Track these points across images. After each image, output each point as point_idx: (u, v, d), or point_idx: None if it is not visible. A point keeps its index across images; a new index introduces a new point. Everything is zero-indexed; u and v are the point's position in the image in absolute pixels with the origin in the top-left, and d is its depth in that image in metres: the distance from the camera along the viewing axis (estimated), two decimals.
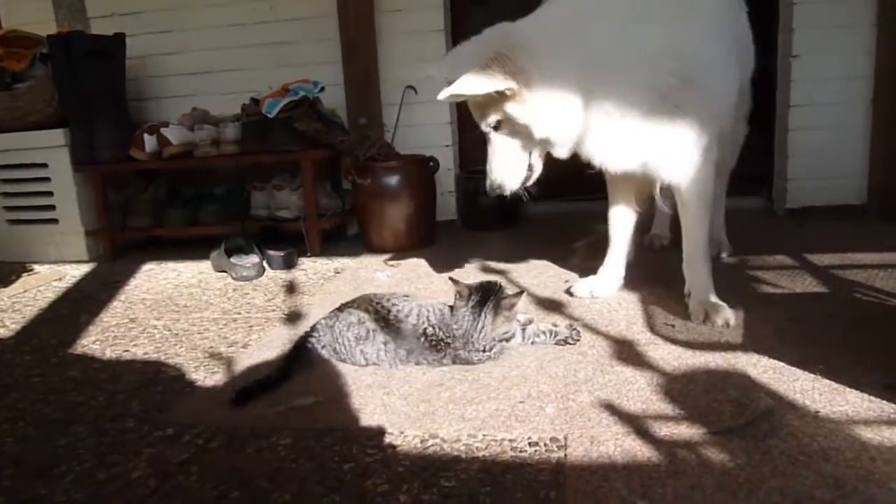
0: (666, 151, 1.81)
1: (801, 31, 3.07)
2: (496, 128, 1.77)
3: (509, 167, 1.80)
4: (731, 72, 1.83)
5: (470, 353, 1.65)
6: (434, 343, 1.67)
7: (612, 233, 2.16)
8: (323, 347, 1.77)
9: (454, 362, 1.67)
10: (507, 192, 1.83)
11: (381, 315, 1.73)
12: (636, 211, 2.14)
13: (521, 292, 1.70)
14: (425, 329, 1.69)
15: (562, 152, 1.81)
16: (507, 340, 1.68)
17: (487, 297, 1.66)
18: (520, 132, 1.75)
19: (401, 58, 3.38)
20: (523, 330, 1.76)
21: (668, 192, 1.97)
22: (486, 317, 1.64)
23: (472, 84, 1.61)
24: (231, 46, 3.57)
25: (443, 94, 1.63)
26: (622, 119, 1.74)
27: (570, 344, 1.75)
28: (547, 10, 1.76)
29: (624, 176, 1.93)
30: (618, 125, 1.74)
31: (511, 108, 1.69)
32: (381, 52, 3.36)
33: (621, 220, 2.15)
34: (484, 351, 1.65)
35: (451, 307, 1.70)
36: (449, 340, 1.66)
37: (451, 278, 1.74)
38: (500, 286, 1.70)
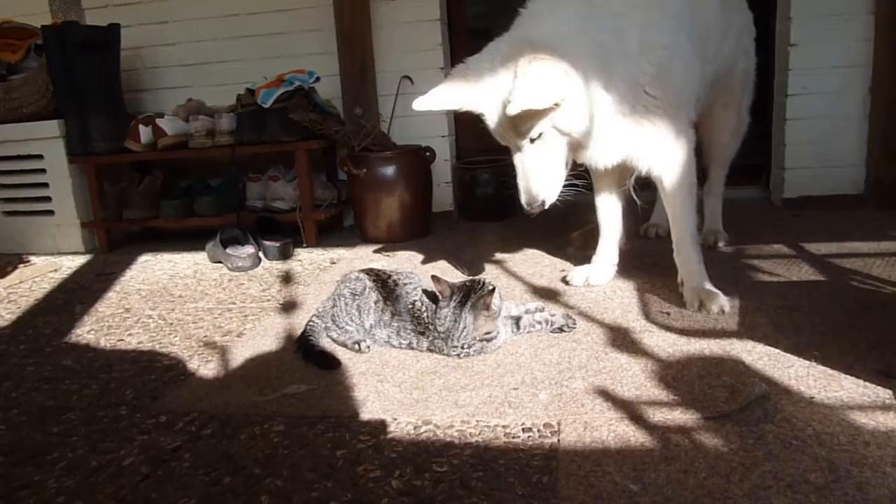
0: (648, 143, 1.83)
1: (799, 20, 3.05)
2: (533, 140, 1.67)
3: (550, 178, 1.71)
4: (694, 63, 1.86)
5: (449, 348, 1.64)
6: (417, 318, 1.69)
7: (601, 221, 2.19)
8: (326, 328, 1.82)
9: (429, 349, 1.68)
10: (548, 205, 1.72)
11: (381, 278, 1.80)
12: (621, 199, 2.17)
13: (493, 289, 1.61)
14: (415, 301, 1.71)
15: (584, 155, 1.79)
16: (489, 341, 1.64)
17: (469, 296, 1.64)
18: (557, 140, 1.68)
19: (396, 48, 3.37)
20: (517, 321, 1.75)
21: (643, 182, 1.99)
22: (466, 318, 1.62)
23: (539, 95, 1.51)
24: (226, 37, 3.55)
25: (513, 109, 1.50)
26: (617, 115, 1.74)
27: (565, 332, 1.75)
28: (540, 16, 1.72)
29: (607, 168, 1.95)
30: (613, 121, 1.74)
31: (558, 115, 1.61)
32: (377, 43, 3.34)
33: (608, 208, 2.17)
34: (462, 348, 1.63)
35: (436, 305, 1.69)
36: (431, 327, 1.66)
37: (432, 276, 1.69)
38: (484, 284, 1.66)
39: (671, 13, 1.79)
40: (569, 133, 1.67)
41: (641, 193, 2.07)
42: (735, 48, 2.25)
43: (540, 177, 1.70)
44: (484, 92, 1.64)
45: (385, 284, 1.78)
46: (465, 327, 1.62)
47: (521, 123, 1.61)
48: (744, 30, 2.33)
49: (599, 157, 1.83)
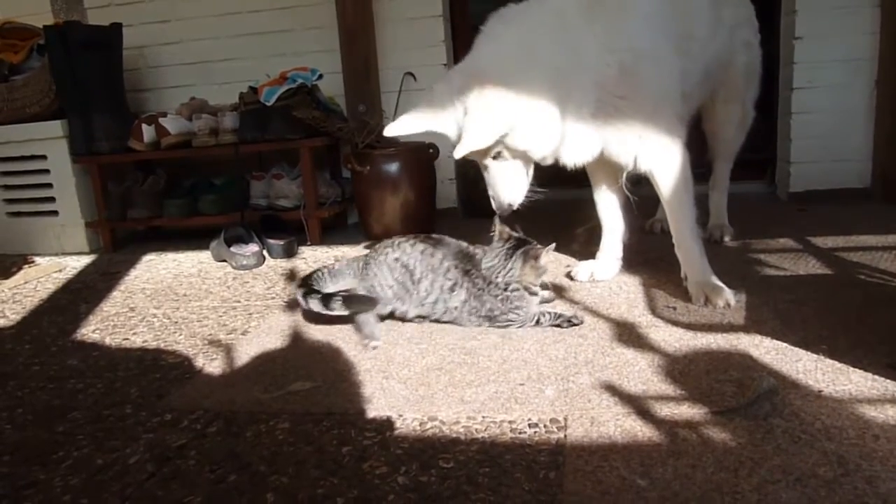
0: (626, 141, 1.86)
1: (804, 13, 3.04)
2: (494, 157, 1.81)
3: (514, 186, 1.85)
4: (673, 60, 1.87)
5: (490, 294, 1.73)
6: (466, 255, 1.79)
7: (602, 216, 2.20)
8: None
9: (467, 299, 1.76)
10: (517, 206, 1.88)
11: (423, 237, 1.86)
12: (619, 194, 2.17)
13: (552, 244, 1.73)
14: (465, 247, 1.83)
15: (548, 161, 1.88)
16: (531, 293, 1.74)
17: (522, 245, 1.74)
18: (517, 156, 1.80)
19: (399, 44, 3.36)
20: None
21: (636, 178, 2.01)
22: (517, 260, 1.72)
23: (484, 134, 1.67)
24: (228, 35, 3.55)
25: (459, 152, 1.68)
26: (582, 119, 1.79)
27: (573, 325, 1.75)
28: (491, 41, 1.79)
29: (599, 163, 1.99)
30: (578, 126, 1.79)
31: (509, 140, 1.74)
32: (380, 39, 3.34)
33: (608, 203, 2.19)
34: (504, 290, 1.72)
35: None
36: (474, 273, 1.75)
37: (497, 215, 1.80)
38: (535, 243, 1.76)
39: (639, 14, 1.82)
40: (523, 151, 1.78)
41: (638, 189, 2.08)
42: (730, 42, 2.23)
43: (504, 186, 1.85)
44: (445, 122, 1.75)
45: (430, 237, 1.85)
46: (511, 268, 1.71)
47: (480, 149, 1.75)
48: (743, 23, 2.32)
49: (575, 156, 1.88)
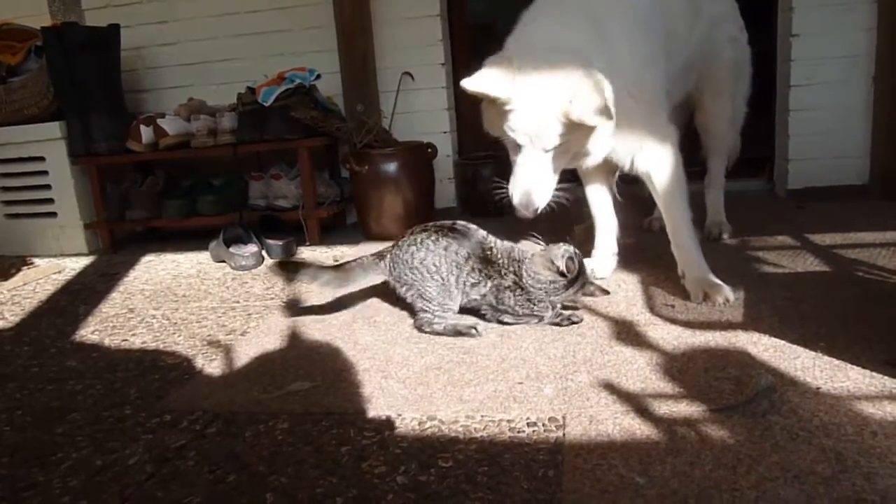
0: (631, 142, 1.86)
1: (801, 10, 3.03)
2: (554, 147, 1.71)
3: (548, 186, 1.77)
4: (661, 61, 1.89)
5: (516, 295, 1.73)
6: (488, 248, 1.77)
7: (595, 213, 2.21)
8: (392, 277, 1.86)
9: (486, 293, 1.75)
10: (539, 211, 1.79)
11: (446, 227, 1.81)
12: (611, 190, 2.20)
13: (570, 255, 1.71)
14: (485, 238, 1.80)
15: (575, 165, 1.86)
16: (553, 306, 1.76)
17: (582, 277, 1.74)
18: (567, 153, 1.73)
19: (397, 44, 3.36)
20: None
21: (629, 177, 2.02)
22: (577, 292, 1.74)
23: (607, 109, 1.60)
24: (226, 36, 3.55)
25: (596, 121, 1.61)
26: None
27: (572, 324, 1.75)
28: (564, 29, 1.73)
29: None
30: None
31: (600, 131, 1.67)
32: (377, 39, 3.33)
33: (599, 198, 2.20)
34: (537, 303, 1.73)
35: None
36: (503, 266, 1.74)
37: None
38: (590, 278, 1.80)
39: (642, 19, 1.83)
40: (590, 148, 1.71)
41: (633, 187, 2.09)
42: (710, 37, 2.24)
43: (541, 184, 1.74)
44: (536, 86, 1.62)
45: (454, 230, 1.80)
46: (567, 294, 1.73)
47: (566, 130, 1.65)
48: (725, 19, 2.34)
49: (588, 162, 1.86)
